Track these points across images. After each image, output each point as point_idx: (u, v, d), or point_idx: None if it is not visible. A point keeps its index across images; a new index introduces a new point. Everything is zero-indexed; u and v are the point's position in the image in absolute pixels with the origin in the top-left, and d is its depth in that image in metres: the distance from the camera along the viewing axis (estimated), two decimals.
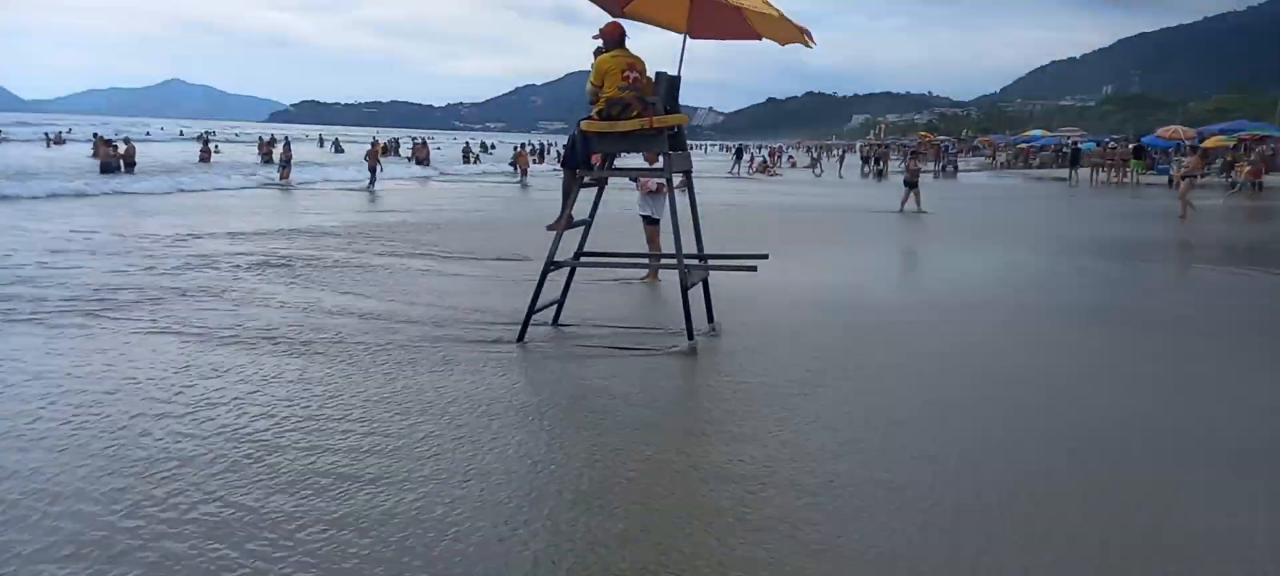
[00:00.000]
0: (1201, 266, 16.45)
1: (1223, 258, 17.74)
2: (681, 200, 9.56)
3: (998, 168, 69.64)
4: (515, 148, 61.43)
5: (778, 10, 8.91)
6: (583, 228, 9.83)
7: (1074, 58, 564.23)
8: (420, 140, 69.31)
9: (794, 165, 71.31)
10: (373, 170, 35.51)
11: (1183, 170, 28.07)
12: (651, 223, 12.80)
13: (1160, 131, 58.18)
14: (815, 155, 74.49)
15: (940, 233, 21.30)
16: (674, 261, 9.21)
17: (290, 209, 25.32)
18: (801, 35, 9.06)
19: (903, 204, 26.72)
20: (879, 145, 74.27)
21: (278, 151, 43.27)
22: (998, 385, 7.89)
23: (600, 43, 9.28)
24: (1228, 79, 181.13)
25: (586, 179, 9.51)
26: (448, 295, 11.61)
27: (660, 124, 9.10)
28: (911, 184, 27.16)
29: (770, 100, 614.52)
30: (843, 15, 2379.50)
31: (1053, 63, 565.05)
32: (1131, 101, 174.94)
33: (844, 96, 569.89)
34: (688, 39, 9.56)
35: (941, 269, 15.54)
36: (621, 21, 9.37)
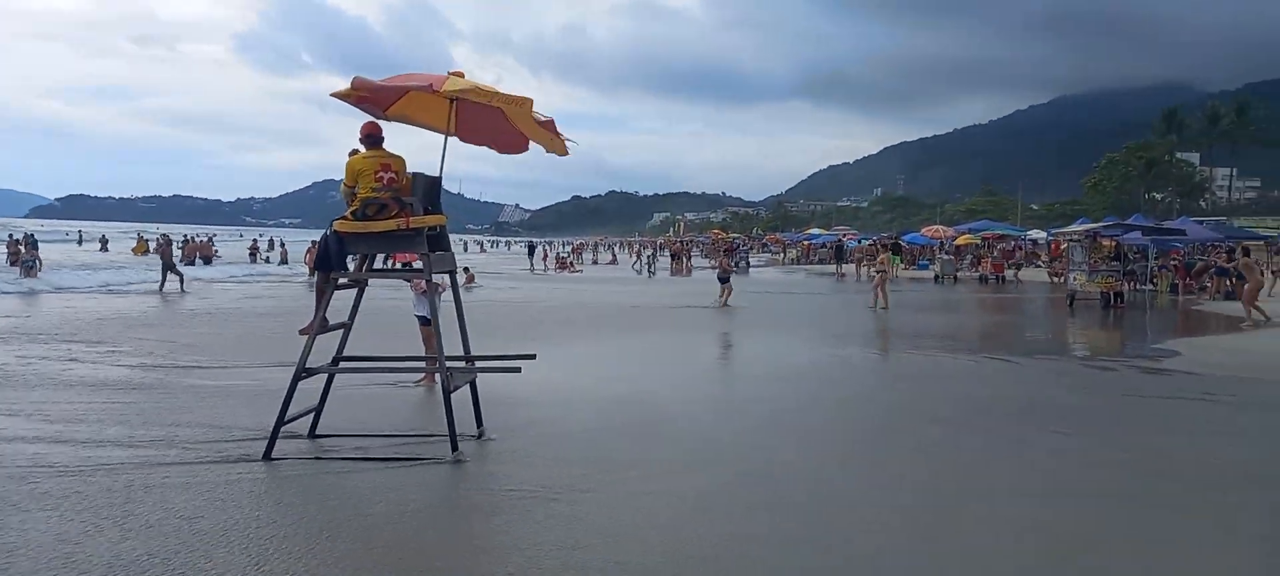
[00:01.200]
0: (943, 354, 17.33)
1: (959, 344, 18.82)
2: (451, 300, 9.24)
3: (784, 263, 73.52)
4: (311, 243, 58.99)
5: (540, 117, 8.80)
6: (341, 331, 9.31)
7: (849, 162, 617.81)
8: (204, 238, 65.86)
9: (594, 261, 72.84)
10: (167, 268, 32.27)
11: (877, 266, 30.57)
12: (425, 323, 12.32)
13: (925, 229, 64.66)
14: (641, 252, 72.94)
15: (727, 326, 21.59)
16: (437, 365, 8.83)
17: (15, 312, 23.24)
18: (561, 142, 8.99)
19: (725, 298, 27.52)
20: (681, 243, 78.02)
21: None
22: (763, 483, 7.84)
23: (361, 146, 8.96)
24: (978, 182, 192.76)
25: (342, 281, 9.04)
26: (185, 410, 10.69)
27: (418, 224, 8.76)
28: (724, 280, 28.52)
29: (576, 198, 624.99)
30: (644, 120, 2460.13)
31: (830, 166, 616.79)
32: (898, 203, 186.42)
33: (645, 195, 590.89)
34: (460, 141, 9.34)
35: (724, 363, 15.85)
36: (381, 122, 9.06)
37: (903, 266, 49.99)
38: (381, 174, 8.76)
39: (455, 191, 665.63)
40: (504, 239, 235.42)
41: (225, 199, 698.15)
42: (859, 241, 66.44)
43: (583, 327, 20.38)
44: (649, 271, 54.15)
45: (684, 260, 58.37)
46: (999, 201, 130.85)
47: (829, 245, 67.42)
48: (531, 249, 64.58)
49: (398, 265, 10.96)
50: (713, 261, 61.89)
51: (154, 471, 7.97)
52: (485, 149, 9.48)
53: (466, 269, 36.32)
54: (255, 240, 73.86)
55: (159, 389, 11.97)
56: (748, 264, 63.43)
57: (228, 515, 6.82)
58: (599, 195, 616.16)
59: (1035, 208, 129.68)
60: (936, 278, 43.76)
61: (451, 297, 9.48)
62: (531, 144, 9.21)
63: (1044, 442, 9.46)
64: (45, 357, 14.52)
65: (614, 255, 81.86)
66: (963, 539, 6.48)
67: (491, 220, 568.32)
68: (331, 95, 8.86)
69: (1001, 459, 8.84)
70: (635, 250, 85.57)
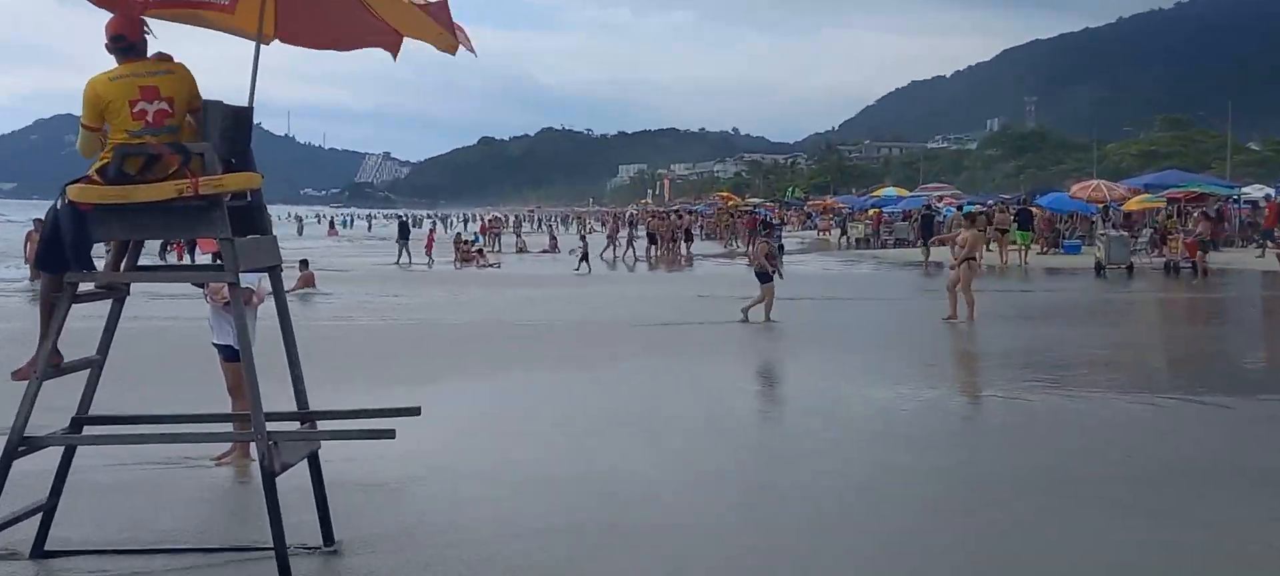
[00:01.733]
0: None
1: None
2: (272, 318, 5.43)
3: (840, 246, 47.80)
4: (32, 224, 25.81)
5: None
6: (88, 373, 5.53)
7: (945, 76, 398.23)
8: None
9: (521, 248, 47.85)
10: None
11: (958, 248, 17.83)
12: (232, 357, 7.74)
13: (1076, 188, 39.88)
14: (611, 226, 50.28)
15: (743, 356, 14.55)
16: (252, 428, 5.11)
17: None
18: (451, 35, 5.32)
19: (764, 309, 17.31)
20: (667, 215, 53.85)
21: None
22: None
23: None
24: (1157, 106, 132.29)
25: (85, 287, 5.33)
26: None
27: (212, 189, 5.07)
28: (765, 277, 17.49)
29: (487, 141, 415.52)
30: (596, 8, 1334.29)
31: (913, 84, 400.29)
32: (1027, 142, 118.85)
33: (603, 136, 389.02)
34: (283, 43, 5.69)
35: (739, 420, 9.74)
36: (146, 20, 5.37)
37: (1033, 247, 34.13)
38: (143, 104, 5.09)
39: (282, 132, 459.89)
40: (365, 211, 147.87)
41: None
42: (961, 208, 39.75)
43: (503, 361, 13.30)
44: (618, 263, 38.22)
45: (671, 242, 42.35)
46: (1192, 138, 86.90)
47: (912, 216, 42.22)
48: (404, 230, 40.45)
49: (181, 259, 7.04)
50: (723, 245, 49.62)
51: None
52: (326, 52, 5.80)
53: (303, 262, 24.88)
54: None
55: None
56: (781, 248, 35.58)
57: None
58: (525, 136, 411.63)
59: (1254, 147, 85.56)
60: (1099, 267, 28.08)
61: (274, 314, 5.65)
62: (408, 41, 5.51)
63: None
64: None
65: (553, 236, 52.59)
66: None
67: (345, 180, 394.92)
68: None
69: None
70: (581, 228, 61.39)
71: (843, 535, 6.13)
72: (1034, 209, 38.88)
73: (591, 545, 5.87)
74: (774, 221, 43.92)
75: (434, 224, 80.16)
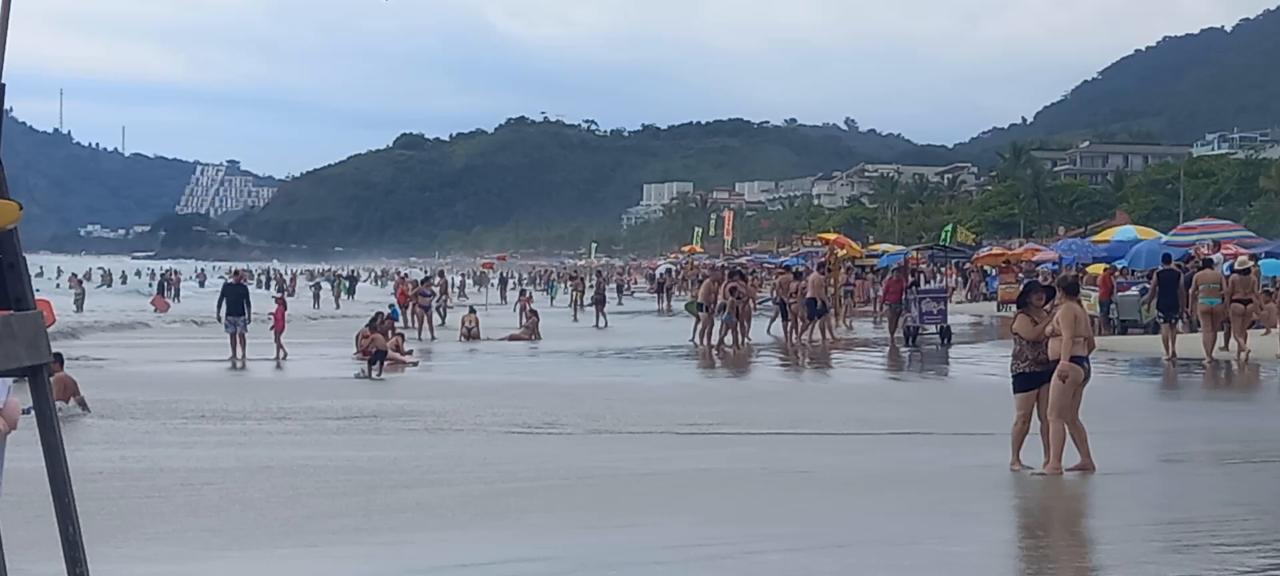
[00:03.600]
0: None
1: None
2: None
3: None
4: None
5: None
6: None
7: (1222, 31, 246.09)
8: None
9: (471, 332, 27.64)
10: None
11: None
12: None
13: None
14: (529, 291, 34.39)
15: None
16: None
17: None
18: None
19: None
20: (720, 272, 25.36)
21: None
22: None
23: None
24: None
25: None
26: None
27: None
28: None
29: (410, 142, 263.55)
30: None
31: (1167, 45, 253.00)
32: None
33: (615, 134, 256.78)
34: None
35: None
36: None
37: None
38: None
39: (48, 127, 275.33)
40: (190, 263, 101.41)
41: None
42: (1255, 258, 21.84)
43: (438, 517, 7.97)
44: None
45: (728, 312, 23.71)
46: None
47: (1153, 276, 20.82)
48: (237, 299, 21.85)
49: None
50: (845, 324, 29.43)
51: None
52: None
53: (57, 358, 11.01)
54: None
55: None
56: (949, 332, 24.07)
57: None
58: (478, 133, 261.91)
59: None
60: None
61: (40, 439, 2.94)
62: None
63: None
64: None
65: (528, 310, 30.85)
66: None
67: (160, 206, 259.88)
68: None
69: None
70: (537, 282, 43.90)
71: None
72: None
73: None
74: (920, 276, 30.83)
75: (283, 286, 51.29)
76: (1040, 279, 17.34)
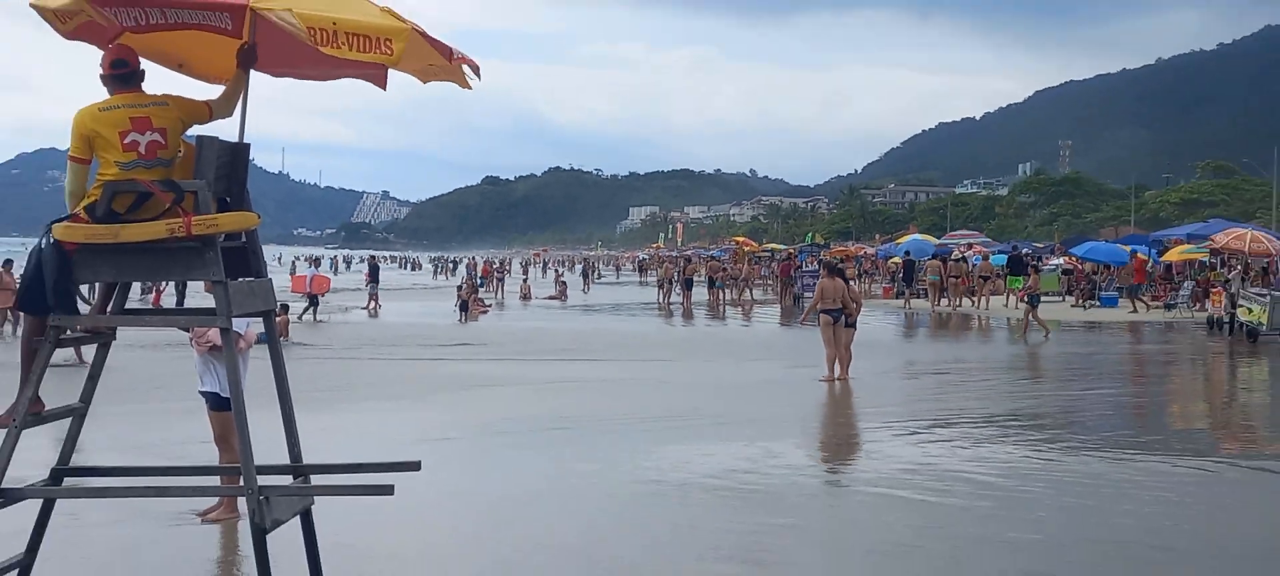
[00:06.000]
0: None
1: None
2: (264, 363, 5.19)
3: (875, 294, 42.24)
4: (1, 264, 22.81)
5: (407, 23, 4.78)
6: (72, 421, 5.23)
7: (974, 118, 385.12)
8: None
9: (527, 295, 42.20)
10: None
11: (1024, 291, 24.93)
12: (221, 406, 7.27)
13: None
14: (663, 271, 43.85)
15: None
16: (242, 481, 4.83)
17: None
18: (457, 70, 5.06)
19: (836, 370, 15.21)
20: (673, 261, 49.93)
21: None
22: None
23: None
24: (1199, 151, 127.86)
25: (69, 331, 5.04)
26: None
27: (206, 230, 4.80)
28: (850, 324, 15.53)
29: (491, 182, 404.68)
30: (608, 41, 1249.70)
31: (941, 126, 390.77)
32: (1061, 188, 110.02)
33: (614, 177, 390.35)
34: (269, 78, 5.27)
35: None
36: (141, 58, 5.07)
37: (1068, 299, 35.42)
38: (135, 136, 4.84)
39: (275, 169, 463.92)
40: (360, 252, 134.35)
41: None
42: (987, 257, 39.02)
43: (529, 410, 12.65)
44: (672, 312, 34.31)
45: (671, 284, 38.80)
46: (1237, 186, 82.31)
47: (941, 263, 34.88)
48: (374, 271, 36.91)
49: (157, 306, 6.73)
50: (737, 294, 40.07)
51: None
52: (324, 83, 5.29)
53: (284, 307, 20.27)
54: None
55: None
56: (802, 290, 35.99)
57: None
58: (531, 176, 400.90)
59: None
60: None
61: (270, 360, 5.39)
62: (399, 72, 5.13)
63: None
64: None
65: (561, 282, 48.85)
66: None
67: (340, 218, 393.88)
68: (32, 6, 4.90)
69: None
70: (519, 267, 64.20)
71: None
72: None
73: None
74: (804, 263, 42.34)
75: (444, 266, 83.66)
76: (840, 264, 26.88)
